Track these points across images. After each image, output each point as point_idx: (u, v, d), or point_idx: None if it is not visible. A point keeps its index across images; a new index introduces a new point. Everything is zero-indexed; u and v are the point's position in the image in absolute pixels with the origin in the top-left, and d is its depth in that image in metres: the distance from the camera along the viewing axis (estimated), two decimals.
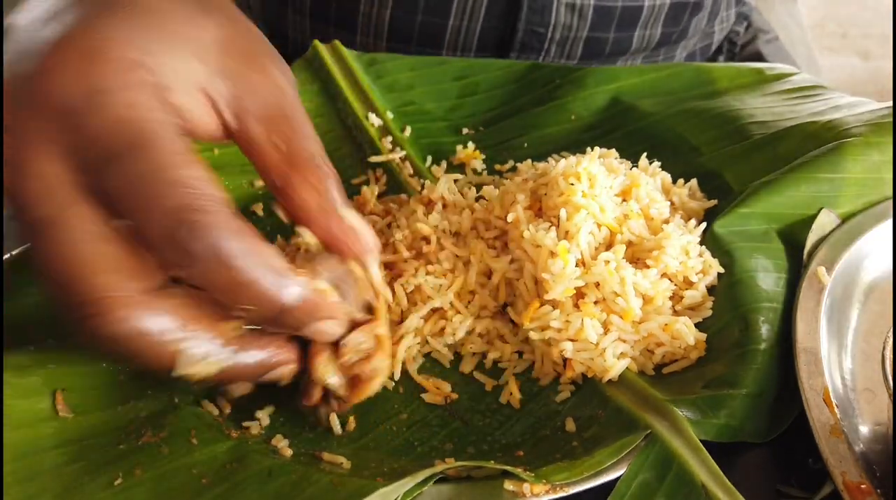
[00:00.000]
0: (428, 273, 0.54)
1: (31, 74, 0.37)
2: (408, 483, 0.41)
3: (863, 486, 0.42)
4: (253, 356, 0.41)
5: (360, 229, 0.44)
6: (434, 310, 0.53)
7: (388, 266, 0.55)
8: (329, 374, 0.44)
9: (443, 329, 0.53)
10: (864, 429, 0.45)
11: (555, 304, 0.51)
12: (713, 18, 0.90)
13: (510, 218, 0.54)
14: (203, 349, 0.38)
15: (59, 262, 0.36)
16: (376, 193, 0.61)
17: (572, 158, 0.56)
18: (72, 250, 0.36)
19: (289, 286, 0.39)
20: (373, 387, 0.45)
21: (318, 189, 0.42)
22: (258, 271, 0.37)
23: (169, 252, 0.36)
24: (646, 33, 0.83)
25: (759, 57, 0.93)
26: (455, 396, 0.51)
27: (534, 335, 0.50)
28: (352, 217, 0.43)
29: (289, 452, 0.45)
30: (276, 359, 0.42)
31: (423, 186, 0.61)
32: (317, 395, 0.45)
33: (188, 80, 0.40)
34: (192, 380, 0.39)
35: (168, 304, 0.37)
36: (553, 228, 0.52)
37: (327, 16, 0.83)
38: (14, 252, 0.52)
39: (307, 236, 0.43)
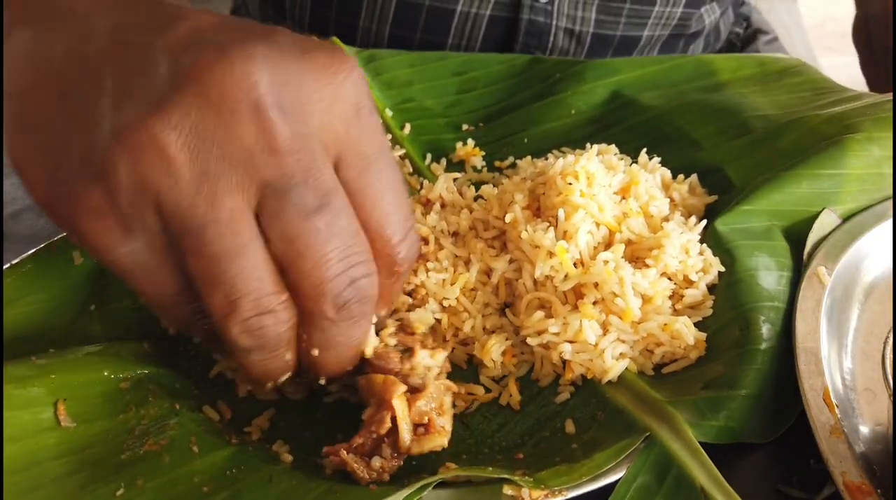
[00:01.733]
0: (428, 270, 0.54)
1: (327, 60, 0.38)
2: (407, 489, 0.41)
3: (863, 486, 0.42)
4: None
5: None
6: (443, 308, 0.54)
7: None
8: (403, 413, 0.44)
9: (457, 331, 0.53)
10: (865, 429, 0.45)
11: (553, 311, 0.51)
12: (711, 40, 0.90)
13: (508, 218, 0.54)
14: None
15: (345, 223, 0.37)
16: None
17: (570, 157, 0.56)
18: (347, 234, 0.38)
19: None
20: (436, 442, 0.45)
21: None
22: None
23: (327, 308, 0.39)
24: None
25: None
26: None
27: (532, 341, 0.50)
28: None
29: (289, 458, 0.46)
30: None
31: (421, 185, 0.61)
32: (387, 425, 0.44)
33: None
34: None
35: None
36: (551, 228, 0.52)
37: (327, 28, 0.83)
38: (14, 261, 0.52)
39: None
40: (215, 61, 0.34)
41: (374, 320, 0.44)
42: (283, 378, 0.42)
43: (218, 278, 0.36)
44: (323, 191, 0.36)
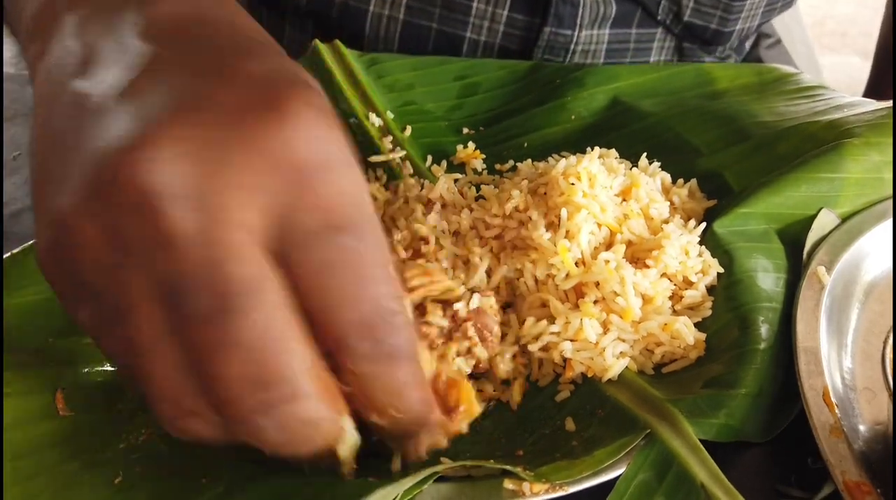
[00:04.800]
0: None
1: (265, 121, 0.31)
2: (407, 482, 0.41)
3: (863, 486, 0.42)
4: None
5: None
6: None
7: None
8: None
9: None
10: (864, 429, 0.45)
11: (553, 310, 0.51)
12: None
13: (509, 207, 0.54)
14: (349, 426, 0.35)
15: (255, 336, 0.30)
16: (379, 193, 0.61)
17: (572, 158, 0.56)
18: (271, 324, 0.31)
19: (434, 408, 0.38)
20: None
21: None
22: (425, 385, 0.36)
23: (358, 340, 0.32)
24: None
25: (759, 62, 0.93)
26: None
27: (531, 347, 0.50)
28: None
29: None
30: None
31: (422, 186, 0.61)
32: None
33: None
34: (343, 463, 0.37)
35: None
36: (553, 227, 0.52)
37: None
38: (15, 250, 0.52)
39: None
40: (119, 153, 0.30)
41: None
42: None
43: (136, 373, 0.32)
44: (226, 292, 0.30)
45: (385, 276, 0.33)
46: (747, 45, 0.89)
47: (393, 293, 0.33)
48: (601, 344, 0.49)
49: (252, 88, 0.32)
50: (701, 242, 0.54)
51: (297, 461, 0.35)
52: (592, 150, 0.58)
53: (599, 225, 0.53)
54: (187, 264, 0.30)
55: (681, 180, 0.60)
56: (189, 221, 0.30)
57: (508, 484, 0.42)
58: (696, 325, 0.51)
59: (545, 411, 0.49)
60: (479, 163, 0.66)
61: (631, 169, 0.58)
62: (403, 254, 0.55)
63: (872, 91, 0.89)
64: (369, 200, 0.33)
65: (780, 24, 0.96)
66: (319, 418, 0.32)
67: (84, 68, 0.33)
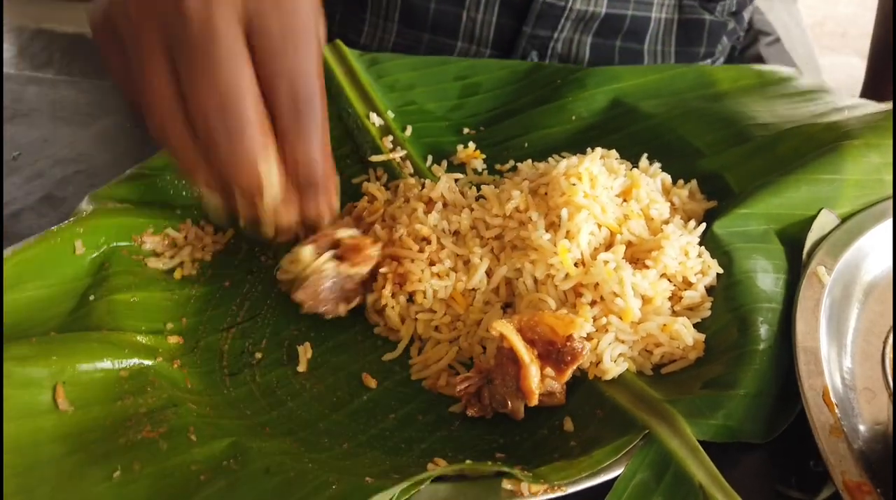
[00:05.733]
0: (432, 275, 0.54)
1: None
2: (404, 482, 0.41)
3: (863, 485, 0.42)
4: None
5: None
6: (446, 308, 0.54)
7: (393, 258, 0.55)
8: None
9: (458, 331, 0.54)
10: (864, 429, 0.45)
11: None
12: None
13: (508, 209, 0.54)
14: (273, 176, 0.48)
15: (227, 79, 0.45)
16: (379, 193, 0.61)
17: (573, 158, 0.56)
18: (239, 74, 0.45)
19: (328, 166, 0.51)
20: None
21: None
22: (320, 142, 0.49)
23: (284, 103, 0.47)
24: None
25: (759, 60, 0.93)
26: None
27: None
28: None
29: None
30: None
31: (423, 186, 0.61)
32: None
33: None
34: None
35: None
36: (553, 227, 0.52)
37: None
38: (15, 246, 0.52)
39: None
40: None
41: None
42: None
43: (142, 95, 0.47)
44: (214, 49, 0.44)
45: (312, 54, 0.47)
46: (746, 15, 0.89)
47: (315, 68, 0.47)
48: (600, 346, 0.49)
49: None
50: (701, 243, 0.54)
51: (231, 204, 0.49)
52: (593, 150, 0.58)
53: (600, 226, 0.53)
54: (192, 26, 0.44)
55: (681, 181, 0.60)
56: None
57: (507, 484, 0.42)
58: (696, 325, 0.51)
59: (544, 411, 0.49)
60: (479, 163, 0.66)
61: (631, 170, 0.58)
62: (415, 247, 0.55)
63: (869, 91, 0.89)
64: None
65: (780, 24, 0.96)
66: (255, 139, 0.46)
67: None
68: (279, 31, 0.46)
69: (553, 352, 0.47)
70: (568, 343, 0.47)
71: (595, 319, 0.50)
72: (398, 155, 0.65)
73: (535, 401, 0.47)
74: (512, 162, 0.66)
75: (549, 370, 0.47)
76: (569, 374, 0.47)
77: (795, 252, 0.53)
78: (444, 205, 0.58)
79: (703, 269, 0.53)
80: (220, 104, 0.45)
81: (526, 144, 0.68)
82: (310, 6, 0.47)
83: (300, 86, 0.47)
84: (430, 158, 0.67)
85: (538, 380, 0.47)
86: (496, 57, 0.80)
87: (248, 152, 0.46)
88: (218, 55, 0.45)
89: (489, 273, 0.54)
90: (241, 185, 0.47)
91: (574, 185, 0.53)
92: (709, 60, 0.88)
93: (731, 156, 0.62)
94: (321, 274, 0.53)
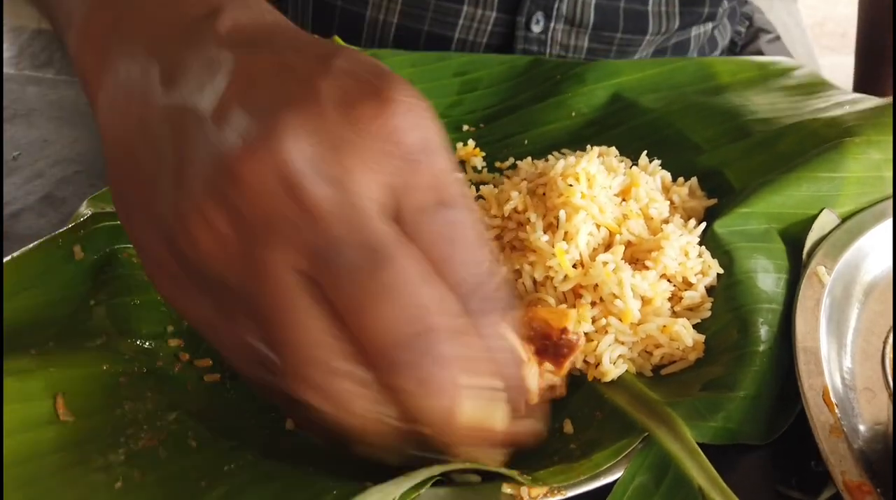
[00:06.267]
0: None
1: (373, 109, 0.34)
2: (404, 485, 0.41)
3: (863, 486, 0.42)
4: None
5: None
6: None
7: None
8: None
9: None
10: (864, 429, 0.45)
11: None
12: (706, 52, 0.91)
13: (507, 210, 0.54)
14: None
15: (405, 280, 0.33)
16: None
17: (571, 158, 0.56)
18: (411, 290, 0.34)
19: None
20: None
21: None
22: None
23: (470, 295, 0.36)
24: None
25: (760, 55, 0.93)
26: None
27: None
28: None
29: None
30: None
31: None
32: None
33: None
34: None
35: None
36: (552, 228, 0.52)
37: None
38: (15, 253, 0.52)
39: None
40: (247, 149, 0.33)
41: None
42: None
43: (278, 344, 0.35)
44: (373, 247, 0.33)
45: (484, 243, 0.37)
46: None
47: (490, 256, 0.37)
48: (599, 347, 0.49)
49: (349, 80, 0.35)
50: (701, 243, 0.54)
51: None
52: (592, 148, 0.58)
53: (598, 226, 0.53)
54: (334, 229, 0.33)
55: (681, 179, 0.59)
56: (329, 194, 0.33)
57: (506, 488, 0.42)
58: (696, 326, 0.51)
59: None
60: (478, 161, 0.66)
61: (631, 167, 0.58)
62: None
63: (860, 90, 0.88)
64: (462, 179, 0.38)
65: (780, 24, 0.96)
66: (460, 356, 0.35)
67: (171, 82, 0.36)
68: (439, 228, 0.35)
69: (550, 346, 0.47)
70: (563, 336, 0.47)
71: (594, 320, 0.50)
72: None
73: (534, 400, 0.47)
74: (512, 160, 0.66)
75: (547, 365, 0.47)
76: (567, 366, 0.47)
77: (796, 252, 0.53)
78: None
79: (703, 269, 0.53)
80: (408, 315, 0.34)
81: (526, 141, 0.68)
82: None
83: (479, 285, 0.36)
84: None
85: (538, 378, 0.47)
86: (502, 19, 0.81)
87: (454, 379, 0.35)
88: (381, 248, 0.33)
89: None
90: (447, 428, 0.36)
91: (571, 186, 0.53)
92: (710, 24, 0.87)
93: (732, 152, 0.61)
94: None
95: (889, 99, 0.61)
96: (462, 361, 0.35)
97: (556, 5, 0.80)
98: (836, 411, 0.45)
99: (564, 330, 0.47)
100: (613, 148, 0.61)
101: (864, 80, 0.92)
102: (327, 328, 0.34)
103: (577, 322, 0.48)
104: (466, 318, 0.36)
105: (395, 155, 0.34)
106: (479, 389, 0.36)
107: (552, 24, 0.81)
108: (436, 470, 0.42)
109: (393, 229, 0.34)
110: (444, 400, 0.35)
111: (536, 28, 0.81)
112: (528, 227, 0.53)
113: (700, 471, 0.43)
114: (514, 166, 0.65)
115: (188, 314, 0.37)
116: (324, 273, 0.33)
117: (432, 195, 0.35)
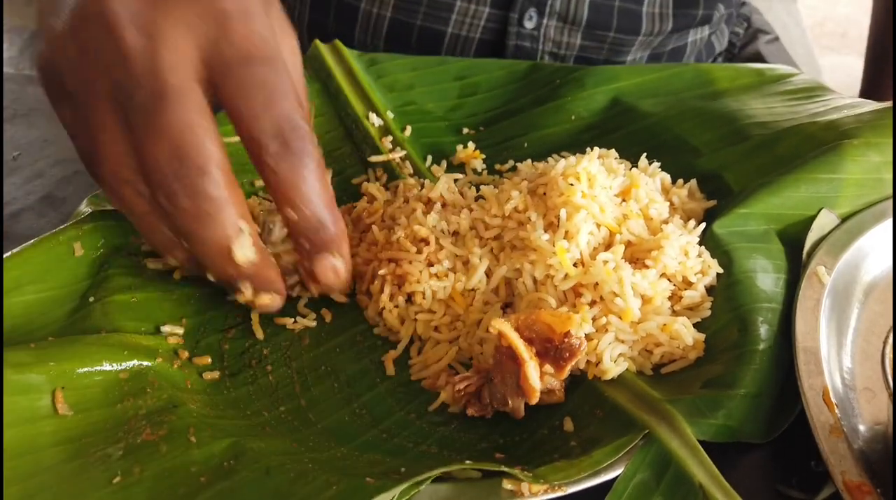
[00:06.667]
0: (431, 276, 0.54)
1: None
2: (405, 482, 0.41)
3: (863, 486, 0.42)
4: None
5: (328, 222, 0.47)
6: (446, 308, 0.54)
7: (391, 260, 0.55)
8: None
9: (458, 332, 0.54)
10: (864, 429, 0.45)
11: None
12: (703, 57, 0.91)
13: (507, 210, 0.54)
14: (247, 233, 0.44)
15: (180, 125, 0.41)
16: (379, 193, 0.61)
17: (572, 158, 0.56)
18: (189, 117, 0.41)
19: (337, 218, 0.46)
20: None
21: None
22: (328, 189, 0.45)
23: (271, 144, 0.43)
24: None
25: (759, 57, 0.93)
26: None
27: None
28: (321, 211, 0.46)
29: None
30: (289, 282, 0.52)
31: (422, 186, 0.61)
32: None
33: None
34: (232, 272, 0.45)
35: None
36: (552, 228, 0.52)
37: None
38: (14, 250, 0.52)
39: None
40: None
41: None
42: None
43: (88, 153, 0.45)
44: (158, 93, 0.41)
45: (292, 98, 0.43)
46: None
47: (298, 110, 0.44)
48: (600, 346, 0.49)
49: None
50: (700, 243, 0.54)
51: (203, 263, 0.45)
52: (592, 150, 0.58)
53: (599, 225, 0.53)
54: (135, 70, 0.41)
55: (680, 181, 0.60)
56: (138, 41, 0.42)
57: (507, 485, 0.42)
58: (696, 325, 0.51)
59: (543, 410, 0.49)
60: (478, 163, 0.66)
61: (630, 169, 0.58)
62: (412, 249, 0.55)
63: (866, 95, 0.89)
64: (279, 45, 0.44)
65: (779, 24, 0.96)
66: (222, 198, 0.42)
67: None
68: (249, 79, 0.42)
69: (551, 349, 0.47)
70: (566, 340, 0.47)
71: (595, 319, 0.50)
72: (398, 155, 0.65)
73: (536, 398, 0.47)
74: (511, 162, 0.66)
75: (547, 367, 0.47)
76: (567, 370, 0.47)
77: (795, 252, 0.53)
78: (444, 205, 0.58)
79: (702, 269, 0.53)
80: (176, 153, 0.41)
81: (525, 144, 0.68)
82: (272, 34, 0.44)
83: (283, 128, 0.43)
84: (429, 158, 0.67)
85: (538, 376, 0.47)
86: (495, 14, 0.81)
87: (212, 213, 0.42)
88: (165, 94, 0.41)
89: (488, 273, 0.54)
90: (205, 250, 0.44)
91: (572, 185, 0.53)
92: (707, 30, 0.88)
93: (730, 155, 0.61)
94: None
95: (888, 103, 0.61)
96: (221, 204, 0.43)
97: (549, 1, 0.80)
98: (836, 411, 0.45)
99: (567, 334, 0.47)
100: (613, 150, 0.61)
101: (872, 87, 0.92)
102: (124, 149, 0.42)
103: (580, 326, 0.48)
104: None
105: (209, 15, 0.42)
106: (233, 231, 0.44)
107: (545, 21, 0.82)
108: (435, 472, 0.42)
109: (187, 80, 0.42)
110: (213, 231, 0.43)
111: (529, 24, 0.81)
112: (528, 226, 0.53)
113: (700, 468, 0.43)
114: (513, 169, 0.65)
115: (56, 110, 0.46)
116: (123, 105, 0.42)
117: (241, 52, 0.42)
